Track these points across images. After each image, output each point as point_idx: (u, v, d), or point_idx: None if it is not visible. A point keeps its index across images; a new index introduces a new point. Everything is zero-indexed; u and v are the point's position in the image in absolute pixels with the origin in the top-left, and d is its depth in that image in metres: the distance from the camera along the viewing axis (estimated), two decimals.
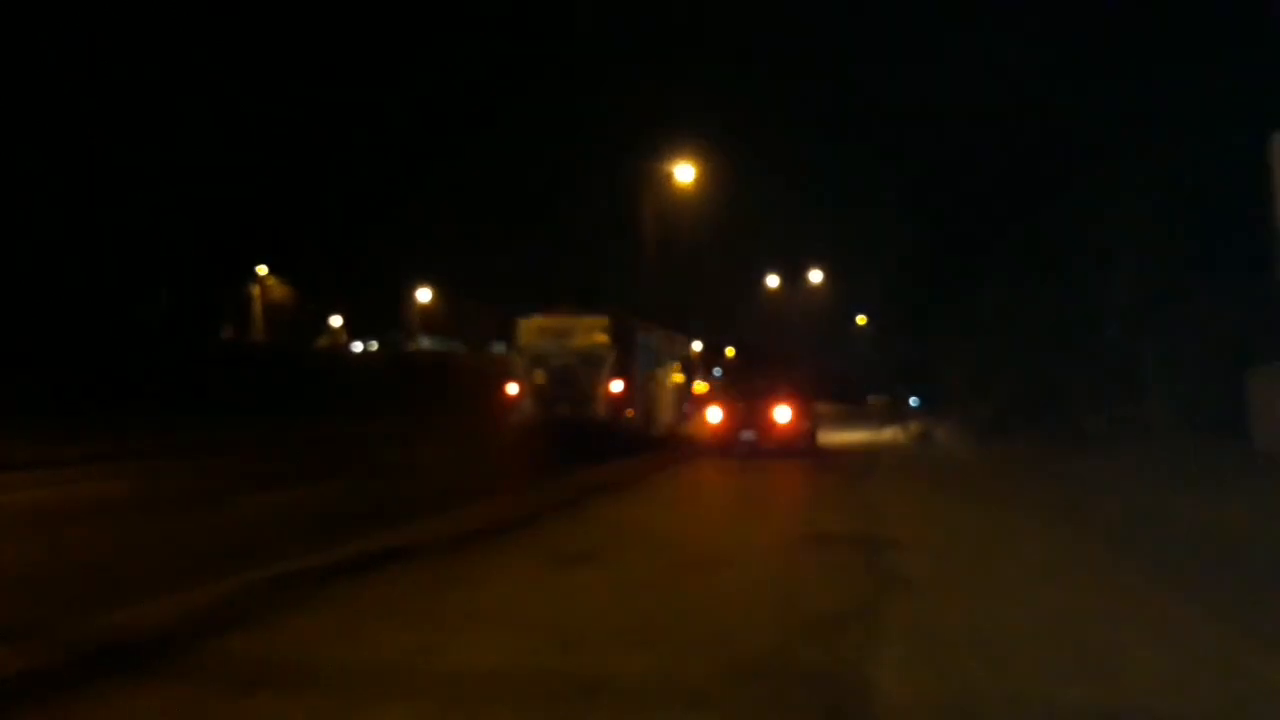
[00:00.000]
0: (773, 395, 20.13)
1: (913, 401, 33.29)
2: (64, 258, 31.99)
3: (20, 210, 29.83)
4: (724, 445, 19.79)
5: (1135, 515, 9.61)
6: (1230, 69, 17.82)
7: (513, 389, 16.20)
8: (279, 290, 56.26)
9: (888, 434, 28.57)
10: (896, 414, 31.24)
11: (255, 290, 54.65)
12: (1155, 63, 20.50)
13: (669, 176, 31.97)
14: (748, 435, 19.55)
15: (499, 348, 75.10)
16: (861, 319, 65.07)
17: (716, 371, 25.50)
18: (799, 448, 19.91)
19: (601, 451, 15.53)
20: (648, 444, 18.80)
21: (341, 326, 65.00)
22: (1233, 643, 4.83)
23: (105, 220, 34.39)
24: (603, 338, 18.25)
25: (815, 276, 58.93)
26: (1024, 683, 4.32)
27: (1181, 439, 16.96)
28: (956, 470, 16.96)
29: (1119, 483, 12.48)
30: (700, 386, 26.27)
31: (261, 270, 54.49)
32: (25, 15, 34.04)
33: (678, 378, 22.95)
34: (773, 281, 59.09)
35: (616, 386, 17.99)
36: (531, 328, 18.75)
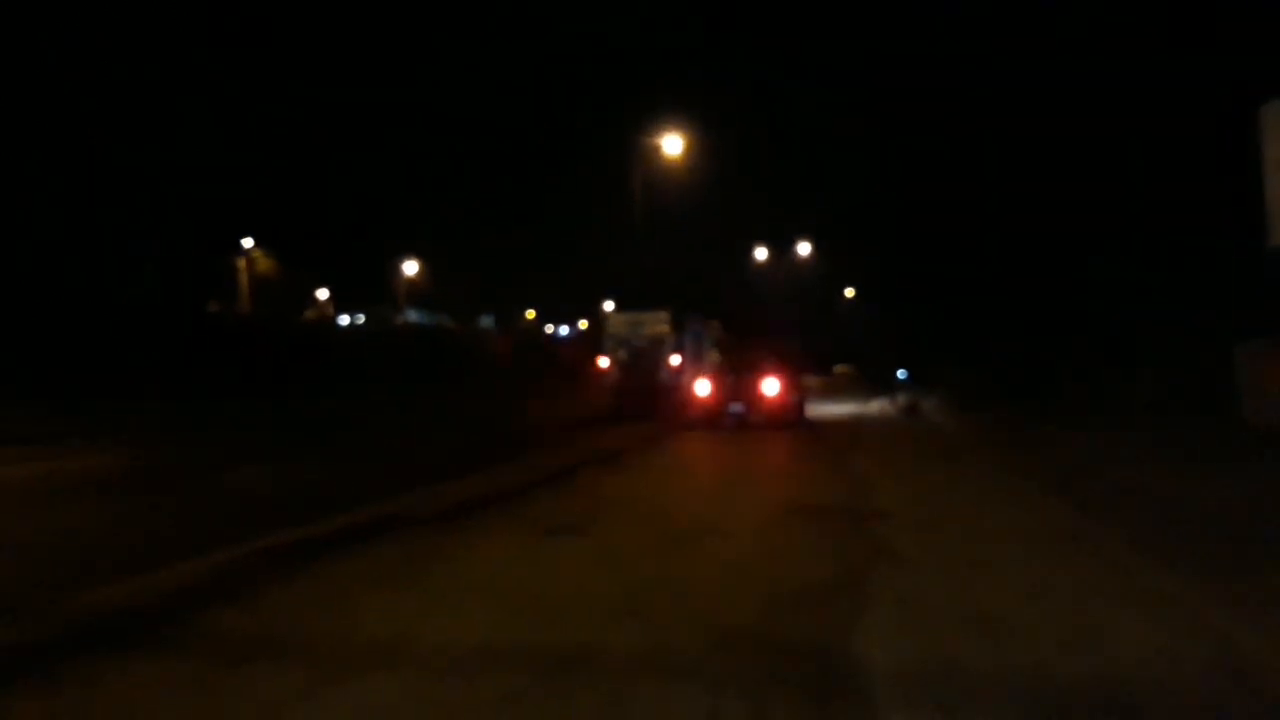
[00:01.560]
0: (761, 368, 20.16)
1: (900, 374, 33.35)
2: (46, 233, 31.85)
3: None
4: (713, 418, 19.83)
5: (1122, 488, 9.65)
6: (1219, 42, 17.81)
7: (604, 362, 22.36)
8: (265, 263, 55.92)
9: (875, 406, 28.65)
10: (884, 386, 31.28)
11: (241, 263, 54.30)
12: (1146, 33, 20.47)
13: (657, 148, 31.81)
14: (736, 408, 19.60)
15: (486, 321, 75.28)
16: (850, 291, 65.19)
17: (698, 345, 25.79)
18: (787, 420, 19.96)
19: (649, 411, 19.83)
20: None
21: (328, 299, 64.76)
22: (1217, 613, 4.86)
23: (89, 197, 34.23)
24: (665, 327, 24.53)
25: (804, 249, 58.93)
26: (1011, 653, 4.34)
27: (1171, 413, 17.05)
28: (943, 443, 17.03)
29: (1107, 456, 12.53)
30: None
31: (247, 243, 54.15)
32: None
33: (714, 355, 26.79)
34: (761, 254, 59.08)
35: (675, 360, 23.16)
36: (617, 320, 26.17)
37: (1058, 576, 5.87)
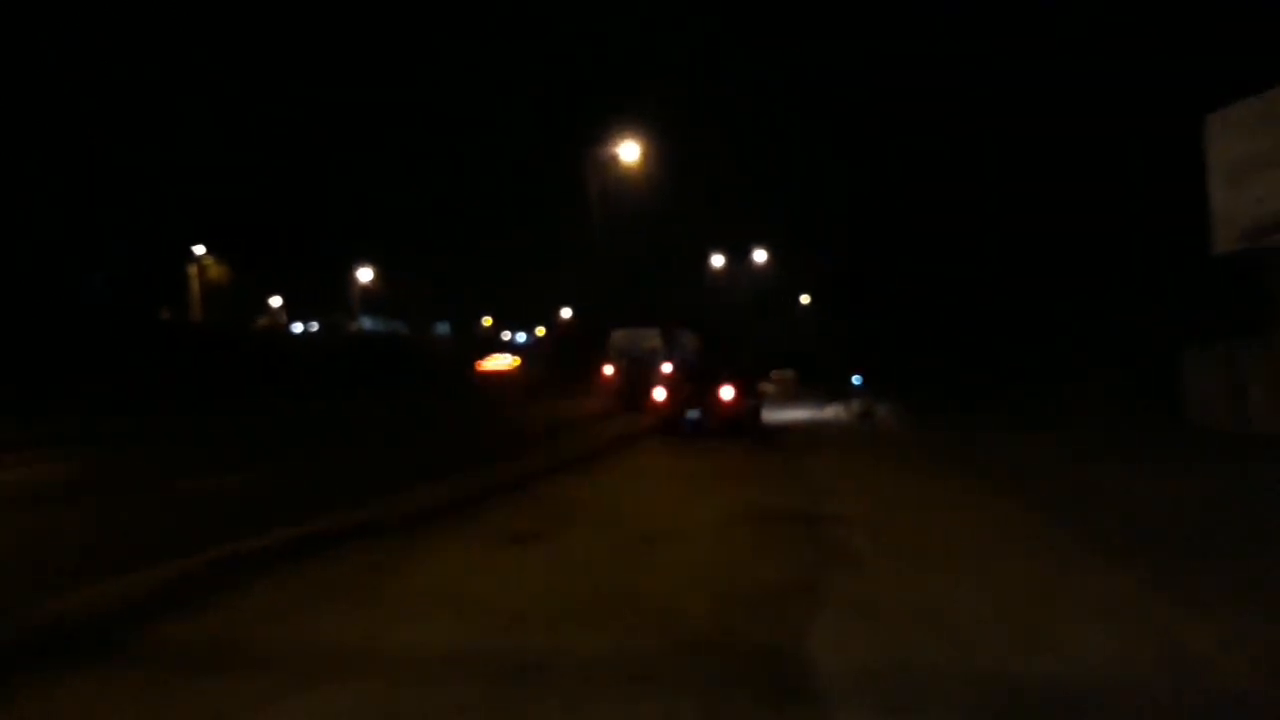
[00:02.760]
0: (718, 374, 20.24)
1: (855, 380, 33.61)
2: None
3: None
4: (670, 424, 19.87)
5: (1074, 489, 9.82)
6: (1164, 53, 18.19)
7: (609, 370, 25.04)
8: (217, 270, 55.18)
9: (830, 412, 28.86)
10: (838, 392, 31.51)
11: (193, 270, 53.55)
12: (1093, 44, 20.87)
13: (614, 155, 31.93)
14: (693, 414, 19.64)
15: (442, 328, 74.89)
16: (806, 298, 65.63)
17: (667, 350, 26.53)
18: (744, 426, 20.05)
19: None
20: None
21: (281, 307, 64.04)
22: (1166, 612, 4.97)
23: (36, 202, 33.64)
24: (657, 340, 28.47)
25: (759, 256, 59.28)
26: (966, 653, 4.40)
27: (1121, 416, 17.36)
28: (898, 447, 17.20)
29: (1058, 458, 12.73)
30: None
31: (199, 250, 53.44)
32: None
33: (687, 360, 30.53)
34: (718, 261, 59.33)
35: (667, 368, 25.44)
36: (619, 335, 29.67)
37: (1011, 577, 5.96)
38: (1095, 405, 18.80)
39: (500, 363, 49.14)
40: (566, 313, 78.95)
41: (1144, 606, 5.12)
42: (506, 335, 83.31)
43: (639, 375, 27.34)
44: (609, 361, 29.93)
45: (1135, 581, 5.62)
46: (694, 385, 20.06)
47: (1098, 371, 19.62)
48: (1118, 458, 12.21)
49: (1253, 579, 5.57)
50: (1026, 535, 7.41)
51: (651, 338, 30.02)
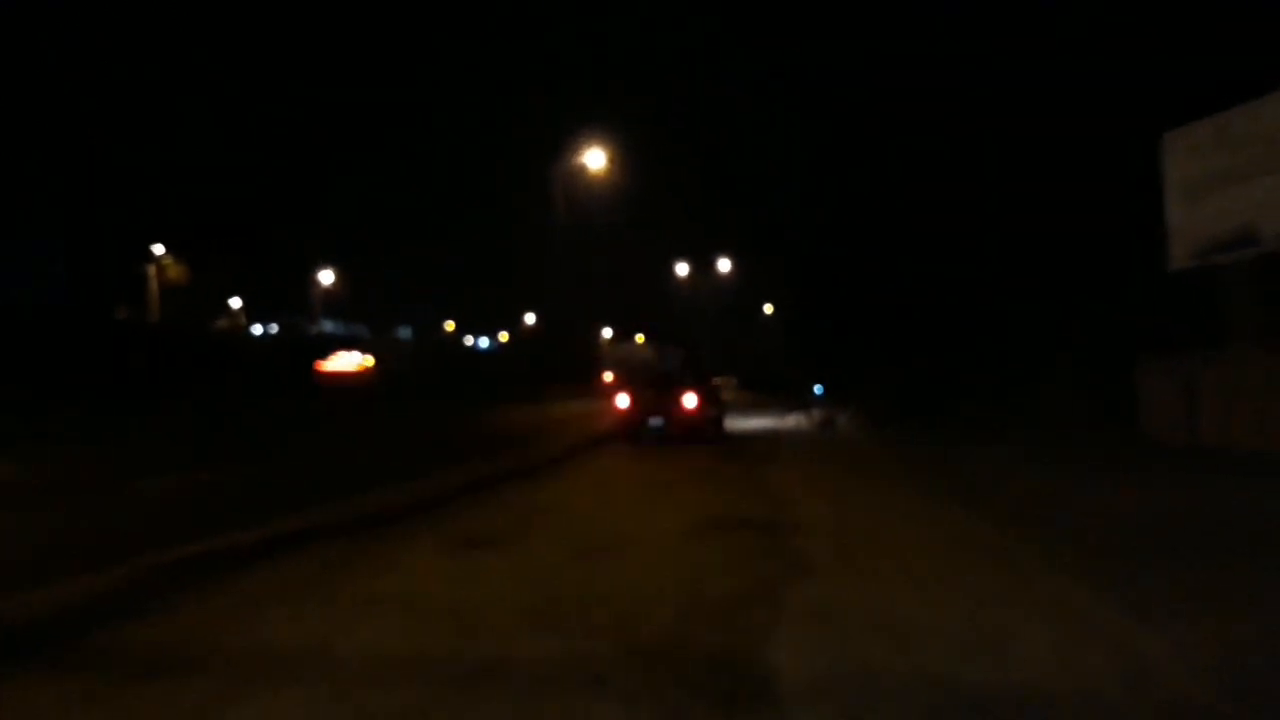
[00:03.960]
0: (680, 382, 20.28)
1: (816, 389, 33.83)
2: None
3: None
4: (633, 431, 19.87)
5: (1029, 499, 9.92)
6: (1122, 66, 18.47)
7: (609, 377, 25.83)
8: (175, 270, 54.48)
9: (791, 421, 29.00)
10: (800, 401, 31.69)
11: (151, 270, 52.85)
12: (1050, 57, 21.14)
13: (579, 164, 31.91)
14: (655, 422, 19.66)
15: (404, 332, 74.49)
16: (769, 307, 65.97)
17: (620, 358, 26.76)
18: (706, 434, 20.10)
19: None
20: None
21: (241, 308, 63.40)
22: (1116, 621, 5.02)
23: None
24: (650, 350, 29.88)
25: (724, 265, 59.51)
26: (922, 661, 4.42)
27: (1075, 426, 17.56)
28: (858, 456, 17.30)
29: (1014, 468, 12.86)
30: None
31: (158, 249, 52.76)
32: None
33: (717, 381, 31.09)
34: (683, 269, 59.50)
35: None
36: (617, 348, 31.29)
37: (967, 586, 6.00)
38: (1051, 416, 19.01)
39: (345, 362, 43.99)
40: (530, 318, 78.83)
41: (1095, 615, 5.17)
42: (469, 340, 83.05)
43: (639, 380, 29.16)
44: (607, 369, 31.61)
45: (1087, 591, 5.69)
46: (657, 392, 20.08)
47: (1053, 383, 19.84)
48: (1071, 468, 12.35)
49: (1202, 589, 5.65)
50: (981, 544, 7.47)
51: (644, 349, 32.66)
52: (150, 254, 52.37)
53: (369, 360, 44.74)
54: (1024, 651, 4.55)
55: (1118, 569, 6.27)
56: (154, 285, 52.82)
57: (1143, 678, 4.15)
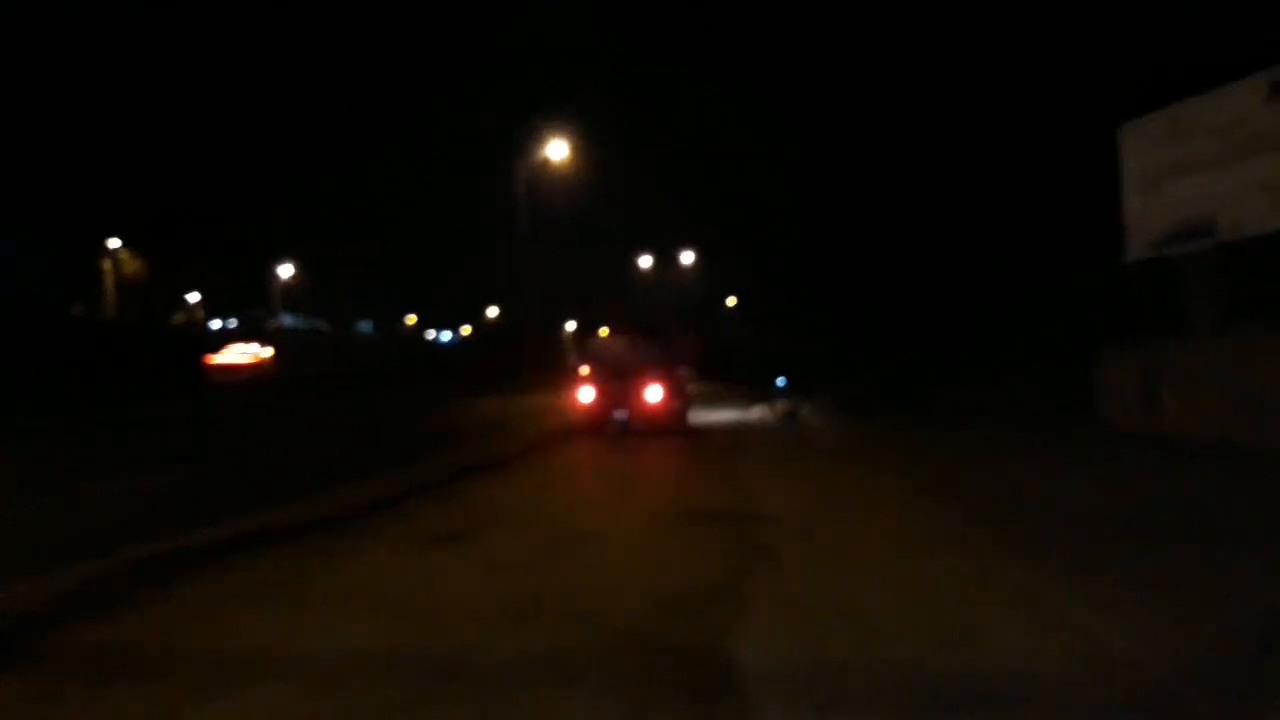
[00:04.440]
0: (645, 375, 20.25)
1: (779, 381, 33.98)
2: None
3: None
4: (597, 424, 19.83)
5: (990, 488, 10.01)
6: (1080, 59, 18.64)
7: (598, 370, 22.99)
8: (133, 264, 53.68)
9: (756, 413, 29.08)
10: (765, 393, 31.81)
11: (108, 264, 52.02)
12: (1005, 51, 21.30)
13: (541, 156, 31.81)
14: (620, 414, 19.62)
15: (365, 326, 73.95)
16: (732, 300, 66.18)
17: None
18: (671, 427, 20.10)
19: None
20: None
21: (199, 303, 62.64)
22: (1079, 608, 5.07)
23: None
24: (625, 344, 26.59)
25: (687, 257, 59.63)
26: (888, 651, 4.45)
27: (1035, 417, 17.74)
28: (821, 448, 17.37)
29: (976, 459, 12.97)
30: None
31: (114, 243, 51.94)
32: None
33: (680, 371, 29.94)
34: (645, 261, 59.55)
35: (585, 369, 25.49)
36: (596, 340, 28.60)
37: (931, 575, 6.05)
38: (1012, 406, 19.20)
39: (239, 355, 40.89)
40: (493, 311, 78.54)
41: (1059, 603, 5.22)
42: (431, 334, 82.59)
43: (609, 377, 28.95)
44: (586, 363, 31.74)
45: (1050, 579, 5.74)
46: (621, 385, 20.04)
47: (1015, 373, 20.04)
48: (1033, 458, 12.48)
49: (1163, 577, 5.72)
50: (946, 534, 7.53)
51: (622, 344, 32.58)
52: (106, 248, 51.57)
53: (265, 352, 41.20)
54: (989, 640, 4.58)
55: (1081, 557, 6.33)
56: (110, 280, 52.04)
57: (1106, 665, 4.19)
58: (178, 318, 58.81)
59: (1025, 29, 20.28)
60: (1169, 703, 3.75)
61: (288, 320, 62.83)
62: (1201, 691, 3.80)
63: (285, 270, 61.78)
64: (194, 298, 61.99)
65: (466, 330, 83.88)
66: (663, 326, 28.13)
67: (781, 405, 28.78)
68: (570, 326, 67.41)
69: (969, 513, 8.39)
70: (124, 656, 4.56)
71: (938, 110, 23.58)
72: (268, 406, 25.41)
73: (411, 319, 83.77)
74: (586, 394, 20.33)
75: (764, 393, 32.21)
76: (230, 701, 3.91)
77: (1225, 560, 6.11)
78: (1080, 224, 17.32)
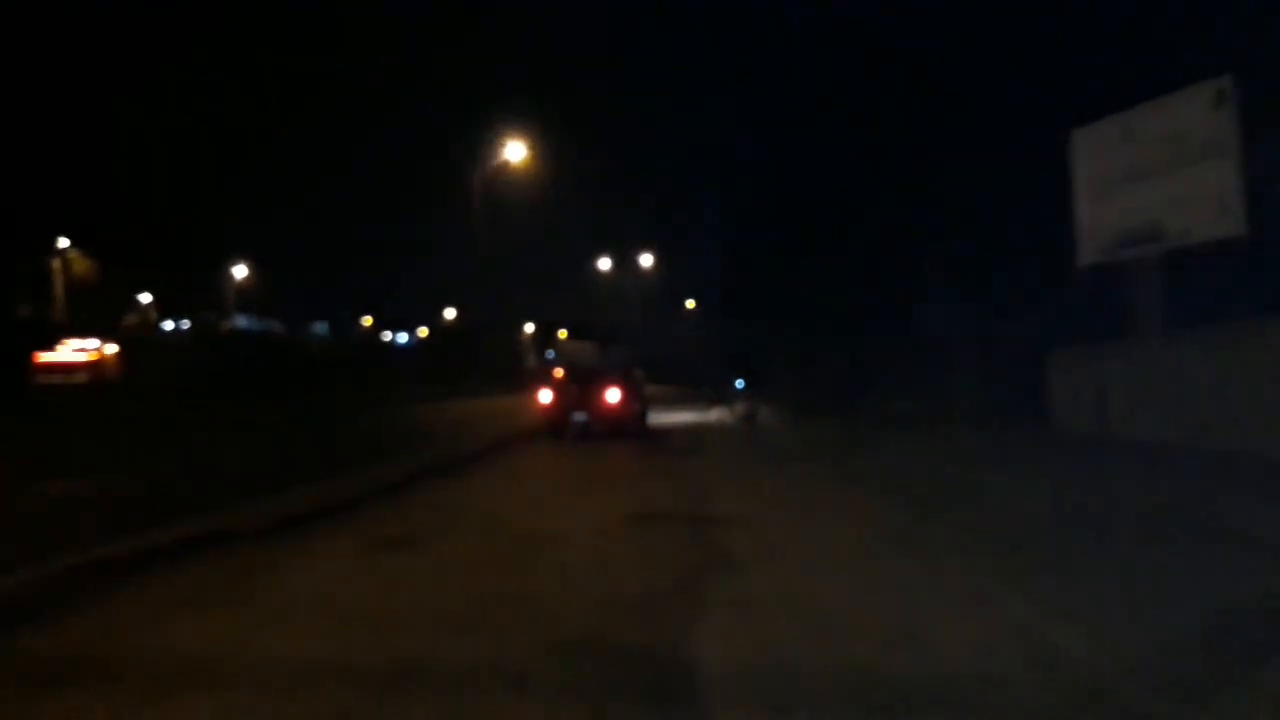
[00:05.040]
0: (604, 377, 20.24)
1: (738, 384, 34.12)
2: None
3: None
4: (556, 427, 19.79)
5: (942, 490, 10.11)
6: (1034, 69, 18.89)
7: (559, 372, 22.79)
8: (82, 265, 52.73)
9: (714, 415, 29.18)
10: (723, 395, 31.94)
11: (57, 264, 51.06)
12: (967, 60, 21.53)
13: (499, 158, 31.70)
14: (579, 417, 19.60)
15: (320, 327, 73.26)
16: (691, 303, 66.36)
17: (549, 353, 26.20)
18: (630, 429, 20.12)
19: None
20: None
21: (151, 304, 61.73)
22: (1031, 610, 5.12)
23: None
24: (592, 348, 25.90)
25: (646, 260, 59.67)
26: (843, 652, 4.46)
27: (987, 420, 17.96)
28: (777, 450, 17.46)
29: (928, 461, 13.09)
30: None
31: (63, 243, 51.01)
32: None
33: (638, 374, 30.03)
34: (605, 264, 59.50)
35: (559, 371, 24.43)
36: (555, 342, 27.85)
37: (886, 577, 6.09)
38: (965, 409, 19.43)
39: (74, 353, 33.95)
40: (451, 313, 78.14)
41: (1009, 605, 5.27)
42: (388, 336, 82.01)
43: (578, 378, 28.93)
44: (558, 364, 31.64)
45: (1002, 580, 5.79)
46: (580, 387, 20.00)
47: (968, 376, 20.28)
48: (985, 460, 12.62)
49: (1113, 578, 5.80)
50: (900, 536, 7.57)
51: (593, 349, 32.59)
52: (54, 248, 50.61)
53: (108, 349, 34.78)
54: (941, 641, 4.62)
55: (1031, 559, 6.40)
56: (59, 281, 51.07)
57: (1054, 665, 4.23)
58: (129, 319, 57.88)
59: (981, 33, 20.53)
60: (1116, 702, 3.80)
61: (241, 321, 62.08)
62: (1148, 691, 3.85)
63: (239, 271, 61.07)
64: (146, 299, 61.08)
65: (424, 332, 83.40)
66: (620, 334, 27.84)
67: (740, 407, 28.90)
68: (529, 328, 67.26)
69: (923, 515, 8.47)
70: (64, 663, 4.45)
71: (892, 117, 23.78)
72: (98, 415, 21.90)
73: (368, 320, 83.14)
74: (545, 396, 20.29)
75: (723, 395, 32.34)
76: (173, 707, 3.83)
77: (1174, 560, 6.21)
78: (1032, 229, 17.54)
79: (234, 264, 60.34)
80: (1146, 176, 13.01)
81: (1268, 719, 3.67)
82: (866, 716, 3.69)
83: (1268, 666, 4.21)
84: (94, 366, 32.83)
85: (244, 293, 62.91)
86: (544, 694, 3.93)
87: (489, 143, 31.52)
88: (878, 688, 3.96)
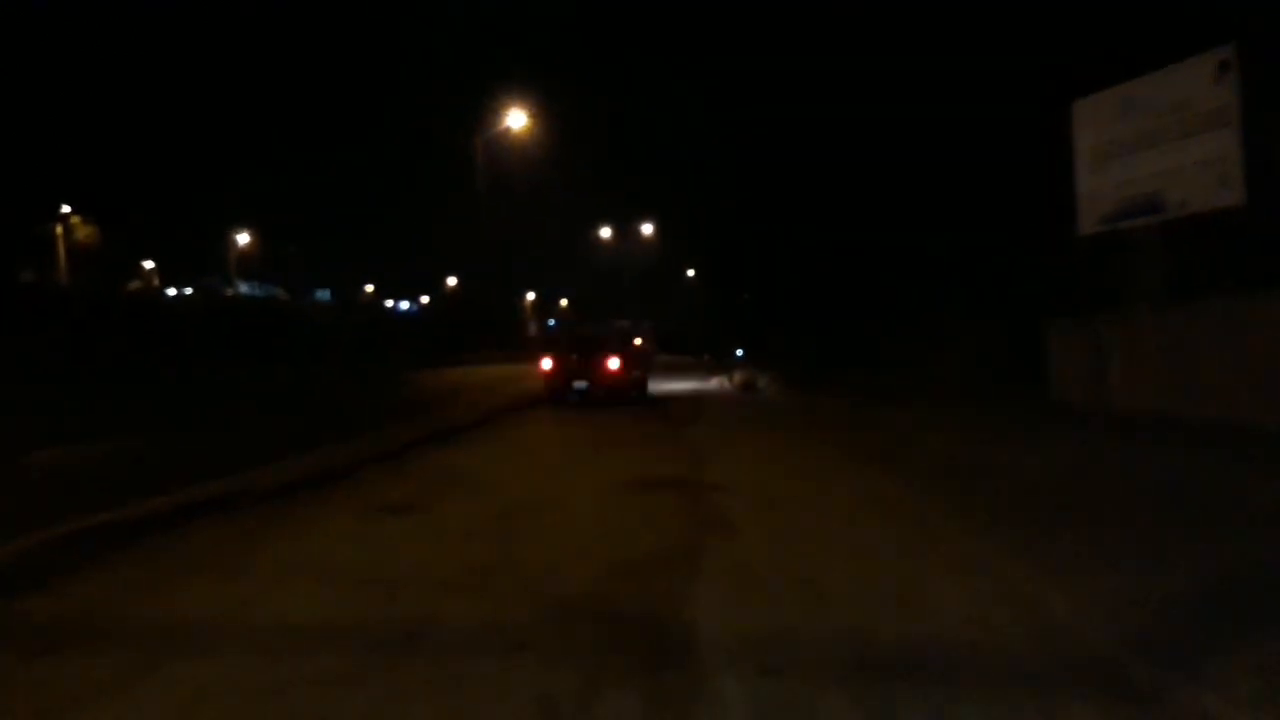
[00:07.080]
0: (605, 345, 20.33)
1: (738, 352, 34.20)
2: None
3: None
4: (557, 394, 19.90)
5: (939, 460, 10.16)
6: (1034, 36, 18.75)
7: (561, 340, 24.33)
8: (85, 230, 52.63)
9: (714, 384, 29.25)
10: (723, 364, 32.04)
11: (59, 230, 50.96)
12: (960, 26, 21.38)
13: (501, 127, 31.59)
14: (580, 384, 19.70)
15: (322, 294, 73.17)
16: (691, 272, 66.21)
17: (551, 322, 26.19)
18: (630, 396, 20.23)
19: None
20: None
21: (154, 270, 61.67)
22: (1026, 577, 5.17)
23: None
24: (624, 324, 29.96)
25: (647, 229, 59.55)
26: (839, 618, 4.51)
27: (985, 389, 17.99)
28: (776, 418, 17.52)
29: (926, 430, 13.14)
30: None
31: (66, 209, 50.90)
32: None
33: (638, 343, 29.65)
34: (605, 233, 59.41)
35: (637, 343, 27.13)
36: (581, 329, 29.68)
37: (881, 544, 6.14)
38: (965, 380, 19.44)
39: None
40: (452, 281, 78.04)
41: (1005, 573, 5.32)
42: (390, 304, 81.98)
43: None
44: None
45: (1000, 549, 5.84)
46: (581, 356, 20.09)
47: (968, 347, 20.26)
48: (984, 431, 12.67)
49: (1107, 548, 5.84)
50: (896, 504, 7.64)
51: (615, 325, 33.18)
52: (58, 213, 50.51)
53: None
54: (937, 608, 4.67)
55: (1027, 528, 6.45)
56: (62, 246, 51.00)
57: (1050, 633, 4.28)
58: (132, 285, 57.84)
59: (982, 4, 20.37)
60: (1109, 668, 3.86)
61: (244, 288, 62.06)
62: (1142, 659, 3.88)
63: (242, 238, 60.97)
64: (149, 264, 61.03)
65: (425, 300, 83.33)
66: (620, 331, 27.85)
67: (740, 376, 28.95)
68: (530, 296, 67.16)
69: (921, 483, 8.51)
70: (68, 628, 4.51)
71: (891, 88, 23.63)
72: None
73: (370, 288, 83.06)
74: (547, 363, 20.38)
75: (723, 363, 32.42)
76: (183, 670, 3.88)
77: (1168, 531, 6.24)
78: (1032, 200, 17.48)
79: (237, 231, 60.19)
80: (1147, 147, 12.96)
81: (1257, 686, 3.71)
82: (862, 681, 3.73)
83: (1260, 635, 4.25)
84: None
85: (246, 259, 62.83)
86: (542, 658, 3.97)
87: (492, 112, 31.40)
88: (873, 654, 4.00)
